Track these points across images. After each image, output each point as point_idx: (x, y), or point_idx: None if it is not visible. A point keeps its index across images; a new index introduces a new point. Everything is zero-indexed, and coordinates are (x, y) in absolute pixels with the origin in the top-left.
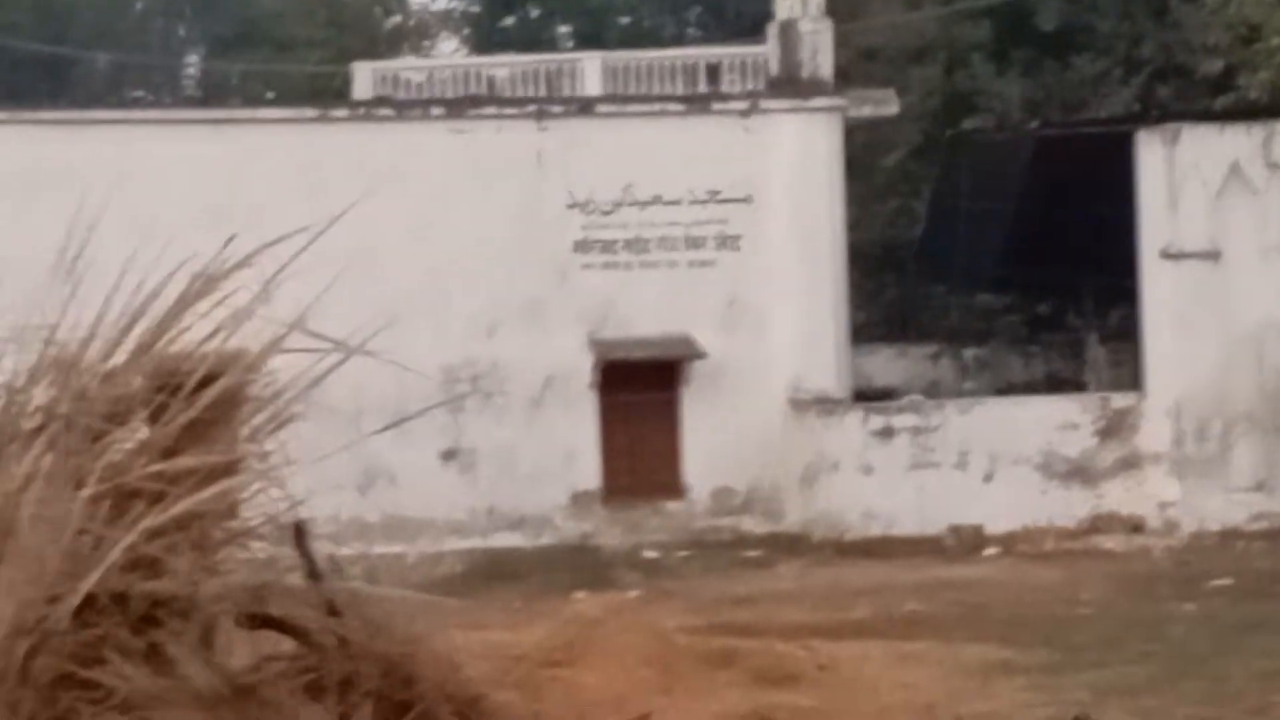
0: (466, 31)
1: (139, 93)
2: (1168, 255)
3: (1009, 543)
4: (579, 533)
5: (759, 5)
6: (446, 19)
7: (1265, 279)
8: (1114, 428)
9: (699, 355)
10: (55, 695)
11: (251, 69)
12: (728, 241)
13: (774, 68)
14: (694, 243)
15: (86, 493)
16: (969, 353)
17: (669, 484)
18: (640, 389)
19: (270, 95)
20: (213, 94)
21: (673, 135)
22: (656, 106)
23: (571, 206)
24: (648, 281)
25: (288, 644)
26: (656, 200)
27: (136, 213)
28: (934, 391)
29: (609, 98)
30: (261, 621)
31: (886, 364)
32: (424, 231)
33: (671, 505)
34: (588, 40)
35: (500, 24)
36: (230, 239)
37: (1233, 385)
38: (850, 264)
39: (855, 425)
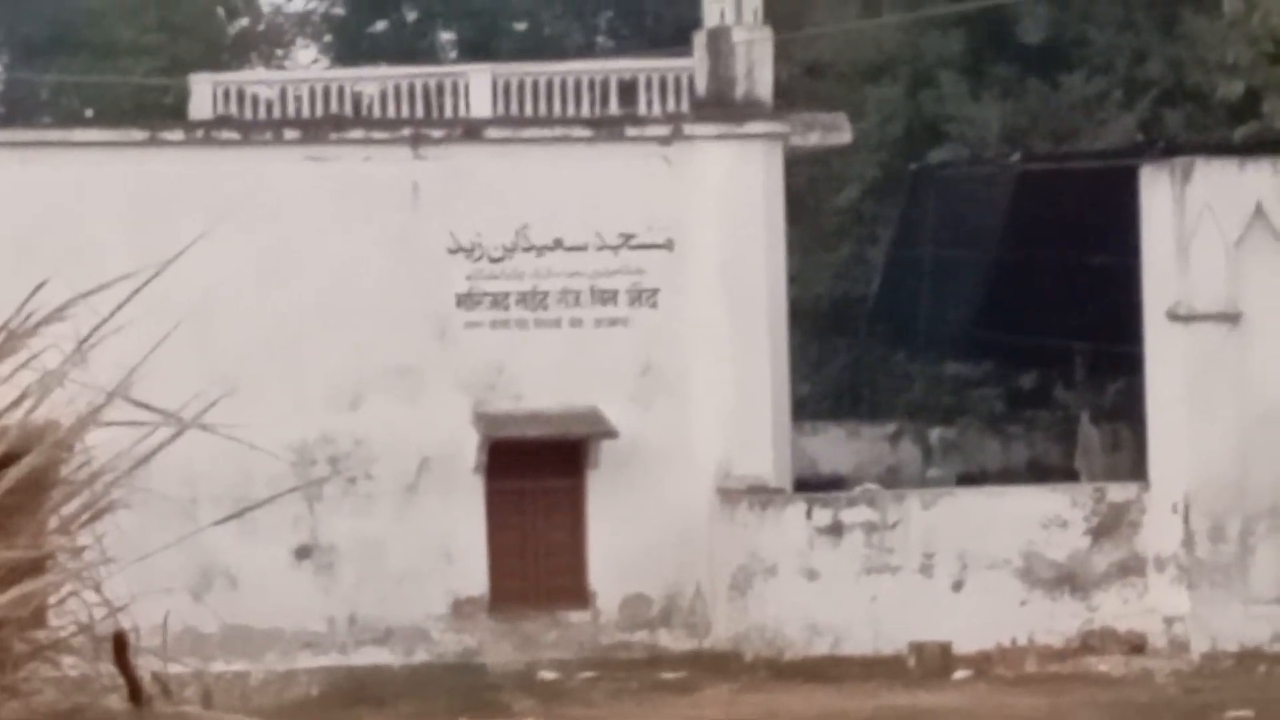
0: (328, 38)
1: None
2: (1177, 317)
3: (983, 664)
4: (460, 648)
5: (684, 9)
6: (304, 23)
7: None
8: (1110, 525)
9: (608, 433)
10: None
11: (66, 80)
12: (643, 296)
13: (701, 85)
14: (602, 297)
15: None
16: (935, 433)
17: (571, 590)
18: (536, 474)
19: (89, 113)
20: (19, 110)
21: (577, 167)
22: (558, 131)
23: (454, 251)
24: (546, 343)
25: None
26: (557, 245)
27: None
28: (892, 480)
29: (500, 120)
30: None
31: (835, 446)
32: (275, 280)
33: (574, 616)
34: (475, 50)
35: (369, 29)
36: (40, 285)
37: (1254, 475)
38: (791, 324)
39: (797, 520)
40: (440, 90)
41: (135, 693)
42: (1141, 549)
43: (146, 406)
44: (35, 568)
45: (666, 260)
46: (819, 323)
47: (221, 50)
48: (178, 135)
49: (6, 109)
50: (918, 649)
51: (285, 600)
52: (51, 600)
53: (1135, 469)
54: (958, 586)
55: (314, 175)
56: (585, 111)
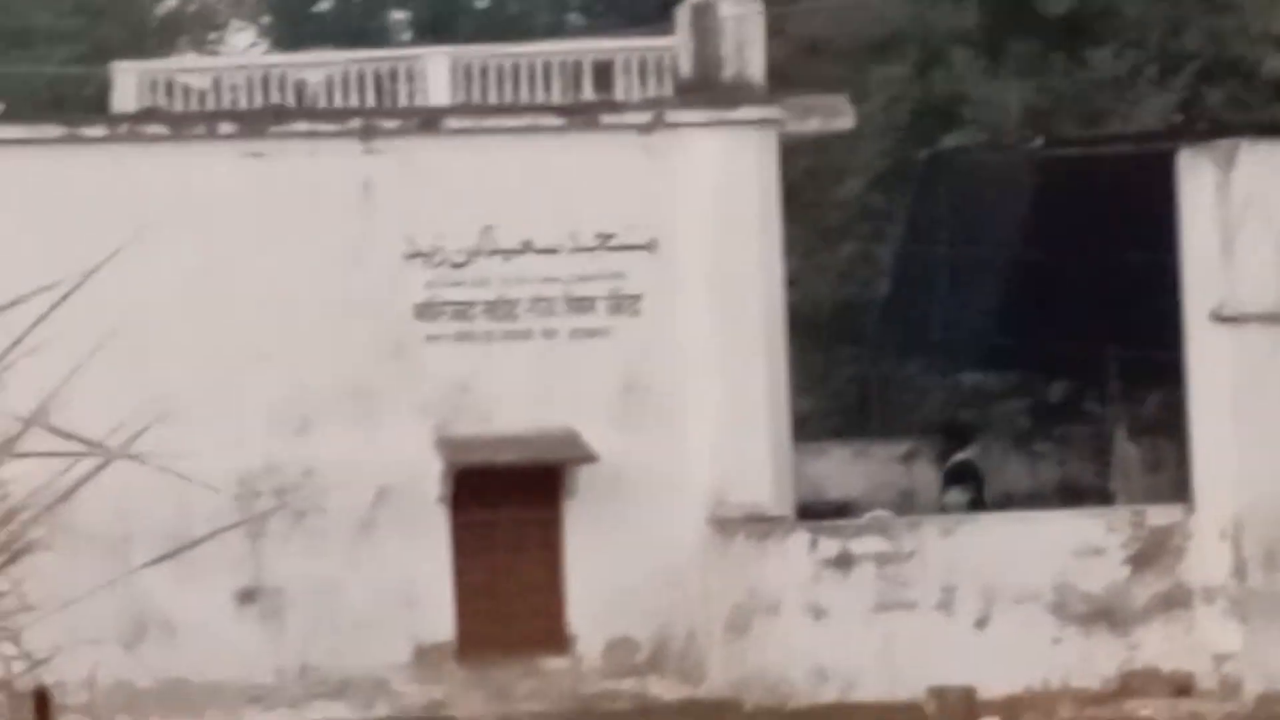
0: (267, 21)
1: None
2: (1222, 318)
3: (1011, 710)
4: (426, 700)
5: None
6: (239, 3)
7: None
8: (1152, 553)
9: (587, 458)
10: None
11: None
12: (624, 303)
13: (686, 67)
14: (578, 305)
15: None
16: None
17: (548, 634)
18: (507, 504)
19: (0, 106)
20: None
21: (548, 160)
22: (526, 121)
23: (412, 257)
24: (515, 358)
25: None
26: (526, 248)
27: None
28: (907, 506)
29: (461, 109)
30: None
31: (842, 469)
32: (211, 292)
33: (552, 662)
34: (432, 31)
35: (313, 9)
36: None
37: None
38: (791, 333)
39: (800, 552)
40: (394, 76)
41: None
42: (1187, 579)
43: (69, 435)
44: None
45: (649, 263)
46: (821, 331)
47: (147, 35)
48: (99, 130)
49: None
50: (938, 694)
51: (228, 650)
52: None
53: (1178, 490)
54: (982, 624)
55: (253, 173)
56: (556, 98)
